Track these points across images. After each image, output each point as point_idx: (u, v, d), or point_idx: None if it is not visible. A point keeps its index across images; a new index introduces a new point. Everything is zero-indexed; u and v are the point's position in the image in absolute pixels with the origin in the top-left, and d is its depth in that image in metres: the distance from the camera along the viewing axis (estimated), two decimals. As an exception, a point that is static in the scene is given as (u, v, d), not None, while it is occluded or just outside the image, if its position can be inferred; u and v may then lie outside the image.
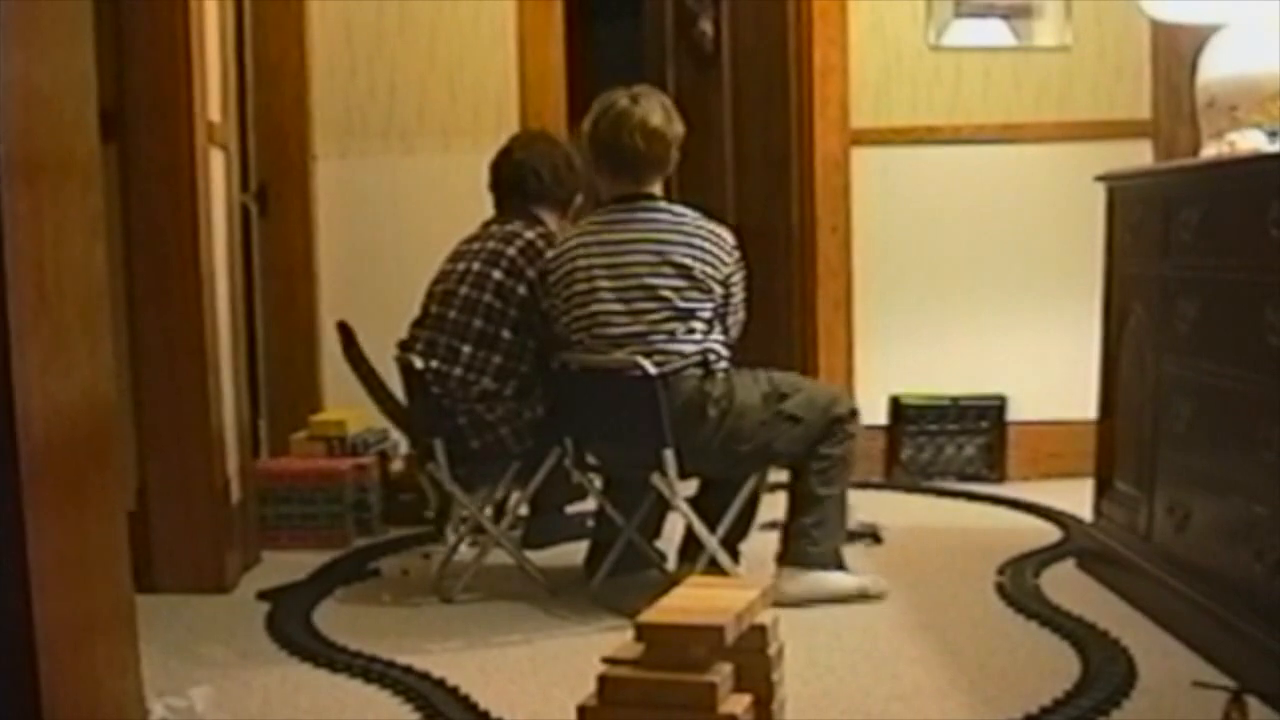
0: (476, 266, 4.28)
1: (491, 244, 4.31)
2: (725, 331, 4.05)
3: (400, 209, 5.84)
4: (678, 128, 4.09)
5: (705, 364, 3.93)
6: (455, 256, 4.39)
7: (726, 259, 4.01)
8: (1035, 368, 5.78)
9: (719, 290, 3.98)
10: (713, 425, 3.91)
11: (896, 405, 5.84)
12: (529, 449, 4.24)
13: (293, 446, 5.31)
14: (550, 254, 4.12)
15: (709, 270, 3.95)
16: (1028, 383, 5.79)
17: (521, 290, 4.22)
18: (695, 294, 3.94)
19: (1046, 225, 5.75)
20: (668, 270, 3.94)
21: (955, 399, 5.81)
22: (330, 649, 3.77)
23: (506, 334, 4.22)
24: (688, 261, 3.94)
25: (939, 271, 5.83)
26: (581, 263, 4.02)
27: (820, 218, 5.81)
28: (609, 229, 4.03)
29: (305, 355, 5.84)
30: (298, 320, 5.84)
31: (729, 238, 4.04)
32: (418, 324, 4.35)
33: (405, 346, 4.35)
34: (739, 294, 4.08)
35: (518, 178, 4.45)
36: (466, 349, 4.22)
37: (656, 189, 4.09)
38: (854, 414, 4.09)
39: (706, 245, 3.97)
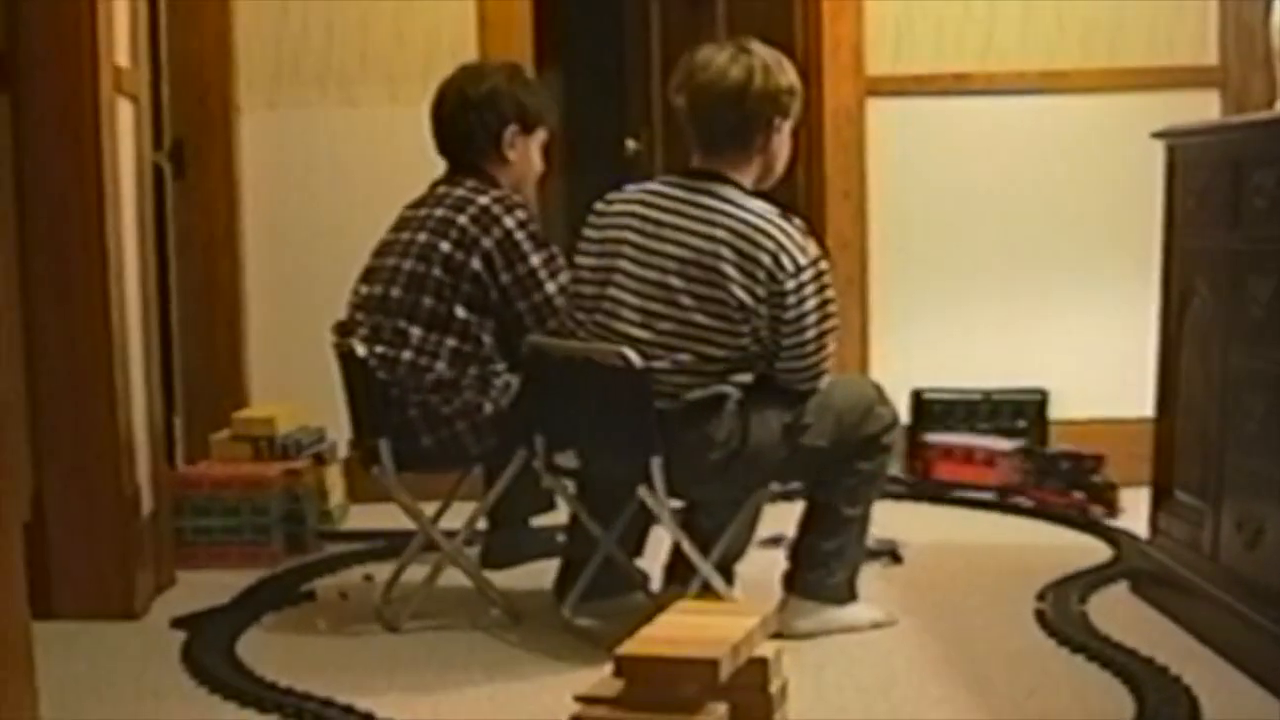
0: (423, 237, 4.27)
1: (440, 211, 4.29)
2: (771, 367, 3.87)
3: (340, 169, 5.81)
4: (783, 82, 3.91)
5: (711, 407, 3.83)
6: (399, 225, 4.38)
7: (784, 274, 3.77)
8: (1081, 358, 5.79)
9: (760, 318, 3.79)
10: (714, 469, 3.85)
11: (919, 401, 5.84)
12: (490, 449, 4.23)
13: (213, 449, 5.29)
14: (598, 206, 4.08)
15: (753, 287, 3.78)
16: (1072, 375, 5.80)
17: (475, 264, 4.20)
18: (723, 314, 3.79)
19: (1095, 190, 5.76)
20: (697, 274, 3.80)
21: (988, 394, 5.81)
22: (257, 685, 3.74)
23: (460, 312, 4.21)
24: (729, 271, 3.79)
25: (969, 244, 5.83)
26: (615, 233, 3.97)
27: (830, 181, 5.81)
28: (658, 204, 3.93)
29: (228, 342, 5.82)
30: (220, 300, 5.82)
31: (807, 250, 3.83)
32: (357, 305, 4.34)
33: (344, 330, 4.34)
34: (811, 324, 3.83)
35: (464, 129, 4.41)
36: (416, 331, 4.21)
37: (745, 176, 3.93)
38: (891, 426, 4.06)
39: (762, 255, 3.78)
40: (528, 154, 4.43)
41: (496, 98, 4.39)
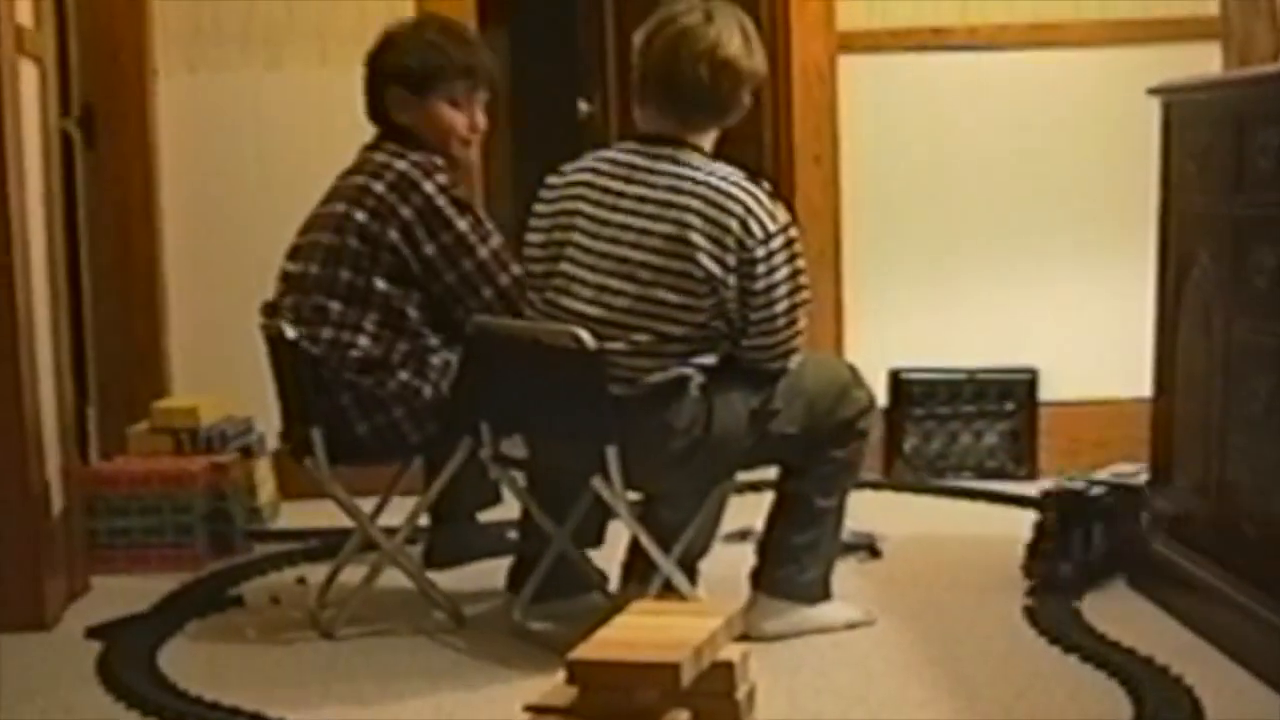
0: (341, 208, 4.28)
1: (359, 179, 4.31)
2: (738, 346, 3.88)
3: (266, 137, 5.79)
4: (758, 64, 3.97)
5: (671, 391, 3.83)
6: (327, 196, 4.38)
7: (752, 240, 3.78)
8: (1074, 333, 5.81)
9: (729, 290, 3.80)
10: (675, 459, 3.86)
11: (898, 383, 5.85)
12: (431, 438, 4.24)
13: (131, 442, 5.28)
14: (549, 179, 4.08)
15: (723, 256, 3.78)
16: (1064, 352, 5.82)
17: (392, 235, 4.20)
18: (687, 289, 3.79)
19: (1087, 153, 5.77)
20: (660, 245, 3.80)
21: (972, 374, 5.83)
22: (180, 700, 3.74)
23: (380, 284, 4.21)
24: (697, 240, 3.79)
25: (950, 212, 5.83)
26: (568, 205, 3.97)
27: (800, 145, 5.81)
28: (615, 172, 3.94)
29: (146, 325, 5.80)
30: (136, 280, 5.79)
31: (776, 216, 3.84)
32: (282, 284, 4.35)
33: (271, 311, 4.34)
34: (781, 296, 3.85)
35: (378, 88, 4.42)
36: (335, 306, 4.21)
37: (705, 141, 3.96)
38: (867, 410, 4.07)
39: (731, 221, 3.78)
40: (430, 116, 4.39)
41: (382, 58, 4.42)
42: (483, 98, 4.47)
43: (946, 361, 5.84)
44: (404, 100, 4.38)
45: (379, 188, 4.24)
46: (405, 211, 4.21)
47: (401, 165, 4.27)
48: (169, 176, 5.82)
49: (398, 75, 4.38)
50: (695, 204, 3.82)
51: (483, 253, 4.24)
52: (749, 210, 3.81)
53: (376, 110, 4.43)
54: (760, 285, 3.83)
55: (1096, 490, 4.41)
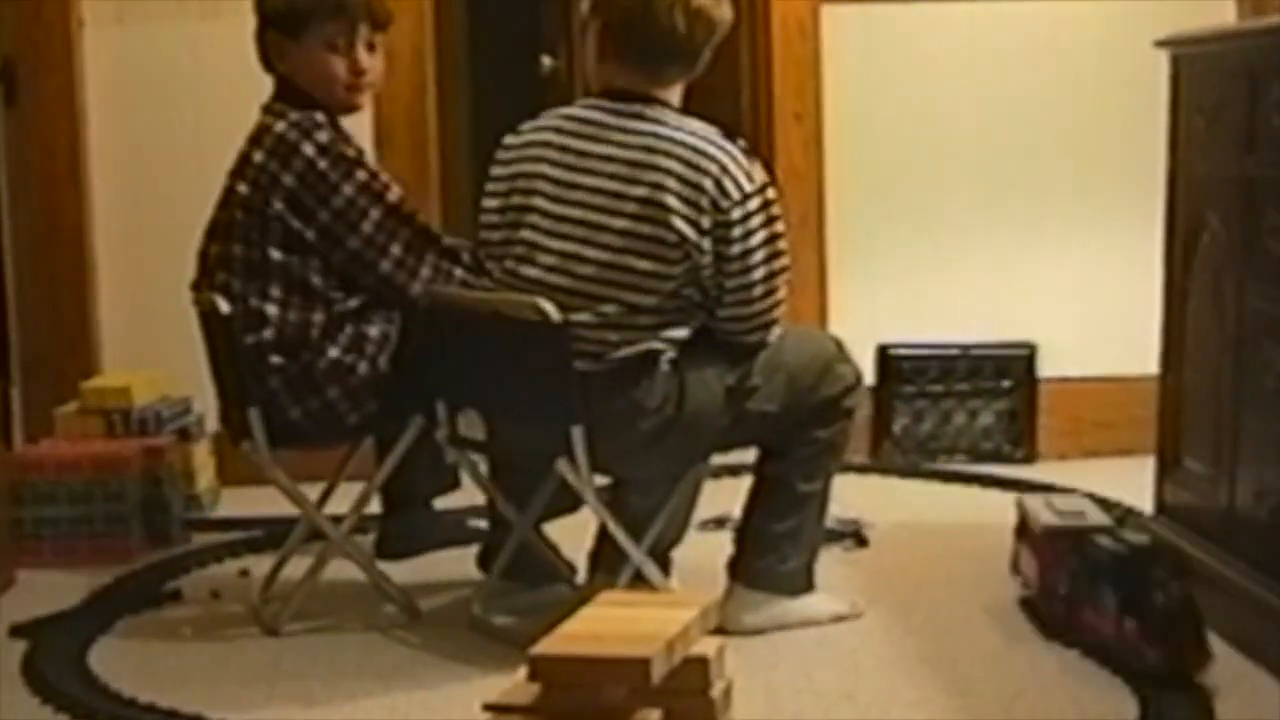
0: (228, 181, 4.32)
1: (244, 148, 4.33)
2: (713, 317, 3.88)
3: (202, 94, 5.76)
4: (726, 13, 3.97)
5: (641, 367, 3.83)
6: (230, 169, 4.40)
7: (728, 201, 3.79)
8: (1075, 305, 5.81)
9: (704, 256, 3.79)
10: (646, 440, 3.86)
11: (885, 358, 5.86)
12: (371, 418, 4.24)
13: (58, 424, 5.27)
14: (507, 139, 4.06)
15: (698, 218, 3.78)
16: (1065, 326, 5.82)
17: (277, 205, 4.19)
18: (659, 254, 3.79)
19: (1090, 110, 5.76)
20: (631, 209, 3.80)
21: (966, 349, 5.84)
22: (113, 703, 3.73)
23: (276, 255, 4.21)
24: (671, 202, 3.79)
25: (943, 174, 5.83)
26: (528, 167, 3.96)
27: (779, 102, 5.80)
28: (580, 131, 3.92)
29: (73, 297, 5.77)
30: (63, 249, 5.76)
31: (753, 175, 3.85)
32: (199, 264, 4.37)
33: (197, 287, 4.36)
34: (758, 262, 3.85)
35: (260, 35, 4.42)
36: (236, 283, 4.23)
37: (673, 95, 3.96)
38: (853, 387, 4.06)
39: (705, 180, 3.79)
40: (308, 64, 4.35)
41: (260, 0, 4.42)
42: (365, 35, 4.41)
43: (939, 336, 5.84)
44: (280, 46, 4.36)
45: (258, 156, 4.25)
46: (287, 179, 4.20)
47: (280, 128, 4.25)
48: (97, 137, 5.80)
49: (270, 18, 4.37)
50: (668, 164, 3.81)
51: (376, 213, 4.22)
52: (724, 169, 3.81)
53: (266, 61, 4.42)
54: (736, 250, 3.82)
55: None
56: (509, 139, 4.06)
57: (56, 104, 5.74)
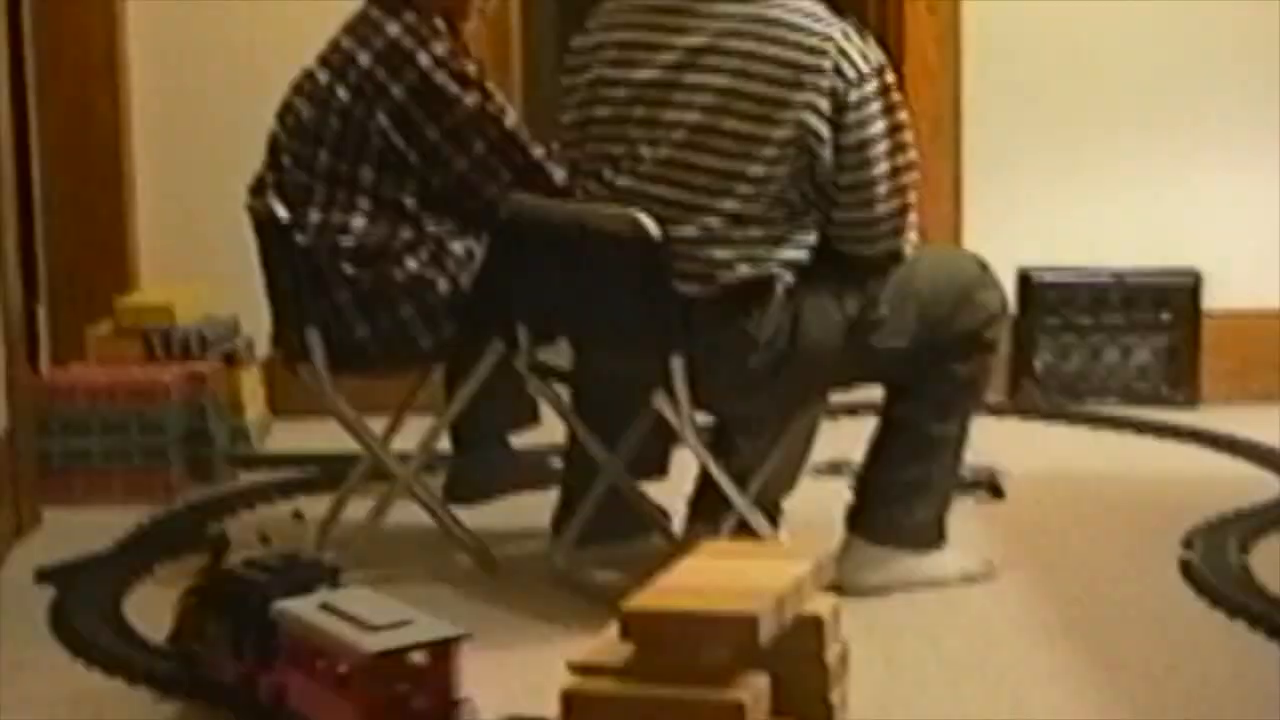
0: (324, 78, 4.32)
1: (347, 41, 4.33)
2: (831, 224, 3.87)
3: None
4: None
5: (752, 293, 3.83)
6: (319, 58, 4.39)
7: (844, 83, 3.76)
8: (1246, 228, 5.79)
9: (823, 144, 3.77)
10: (755, 376, 3.87)
11: (1027, 284, 5.85)
12: (447, 342, 4.27)
13: (90, 346, 5.32)
14: (574, 41, 4.07)
15: (818, 102, 3.76)
16: (1234, 250, 5.80)
17: (382, 120, 4.21)
18: (776, 157, 3.78)
19: (1265, 11, 5.72)
20: (743, 106, 3.78)
21: (1120, 276, 5.82)
22: (150, 656, 3.76)
23: (367, 173, 4.24)
24: (789, 95, 3.77)
25: (1095, 75, 5.81)
26: (607, 71, 3.96)
27: (911, -13, 5.80)
28: (660, 24, 3.90)
29: (109, 203, 5.81)
30: (97, 149, 5.81)
31: (869, 56, 3.83)
32: (269, 153, 4.39)
33: (258, 189, 4.38)
34: (880, 155, 3.83)
35: None
36: (320, 187, 4.25)
37: None
38: (997, 317, 4.06)
39: (823, 61, 3.76)
40: None
41: None
42: None
43: (1089, 261, 5.83)
44: None
45: (364, 59, 4.26)
46: (397, 91, 4.22)
47: (394, 30, 4.26)
48: (136, 22, 5.82)
49: None
50: (775, 50, 3.80)
51: (491, 135, 4.24)
52: (841, 50, 3.79)
53: None
54: (852, 139, 3.81)
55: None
56: (577, 40, 4.06)
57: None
